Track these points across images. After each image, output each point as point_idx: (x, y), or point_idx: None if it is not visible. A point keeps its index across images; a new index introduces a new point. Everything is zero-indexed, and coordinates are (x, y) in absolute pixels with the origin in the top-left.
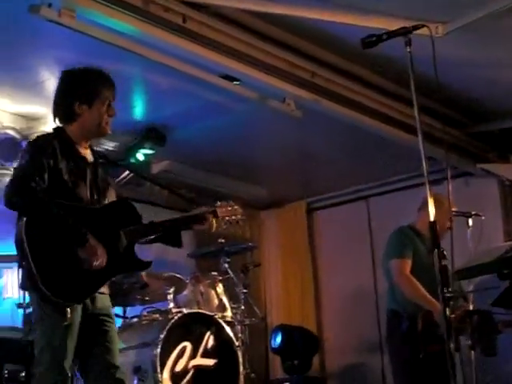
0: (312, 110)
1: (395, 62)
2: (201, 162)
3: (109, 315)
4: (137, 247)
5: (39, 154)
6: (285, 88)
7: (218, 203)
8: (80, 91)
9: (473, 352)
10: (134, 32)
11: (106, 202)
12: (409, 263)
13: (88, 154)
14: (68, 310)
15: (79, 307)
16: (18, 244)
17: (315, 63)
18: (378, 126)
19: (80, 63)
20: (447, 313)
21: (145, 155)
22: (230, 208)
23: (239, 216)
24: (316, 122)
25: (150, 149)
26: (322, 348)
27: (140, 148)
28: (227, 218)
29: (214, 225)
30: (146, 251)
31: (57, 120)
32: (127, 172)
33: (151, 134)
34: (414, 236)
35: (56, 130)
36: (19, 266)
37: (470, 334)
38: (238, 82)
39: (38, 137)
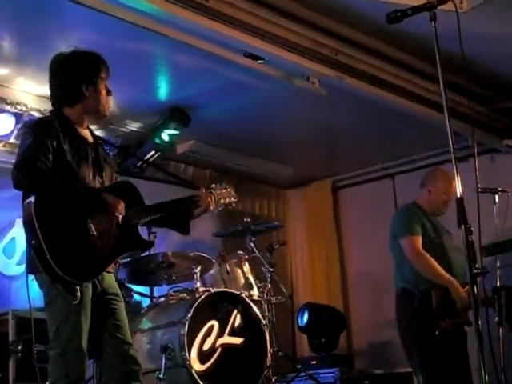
0: (337, 88)
1: (420, 38)
2: (225, 141)
3: (116, 294)
4: (163, 229)
5: (43, 135)
6: (309, 66)
7: (213, 186)
8: (85, 73)
9: (500, 328)
10: (158, 12)
11: (108, 182)
12: (420, 240)
13: (88, 135)
14: (78, 288)
15: (89, 287)
16: (27, 223)
17: (339, 41)
18: (404, 103)
19: (104, 44)
20: (475, 289)
21: (169, 135)
22: (224, 191)
23: (233, 199)
24: (341, 99)
25: (175, 129)
26: (349, 326)
27: (164, 128)
28: (222, 200)
29: (212, 206)
30: (172, 233)
31: (59, 102)
32: (152, 152)
33: (176, 114)
34: (420, 213)
35: (54, 112)
36: (28, 247)
37: (498, 310)
38: (261, 61)
39: (39, 118)
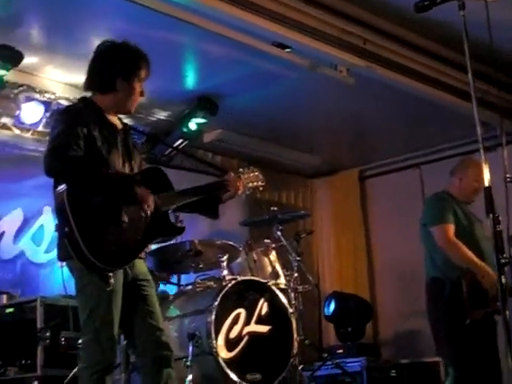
0: (364, 77)
1: (448, 26)
2: (253, 130)
3: (147, 280)
4: (191, 218)
5: (74, 123)
6: (337, 55)
7: (241, 170)
8: (123, 67)
9: None
10: (187, 1)
11: (137, 168)
12: (452, 228)
13: (117, 122)
14: (111, 275)
15: (121, 273)
16: (60, 210)
17: (367, 29)
18: (432, 92)
19: (133, 33)
20: (502, 279)
21: (197, 124)
22: (252, 174)
23: (261, 182)
24: (368, 88)
25: (202, 118)
26: (376, 315)
27: (192, 117)
28: (250, 184)
29: (240, 190)
30: (199, 221)
31: (90, 88)
32: (180, 141)
33: (203, 102)
34: (452, 201)
35: (83, 99)
36: (60, 234)
37: None
38: (289, 50)
39: (68, 106)
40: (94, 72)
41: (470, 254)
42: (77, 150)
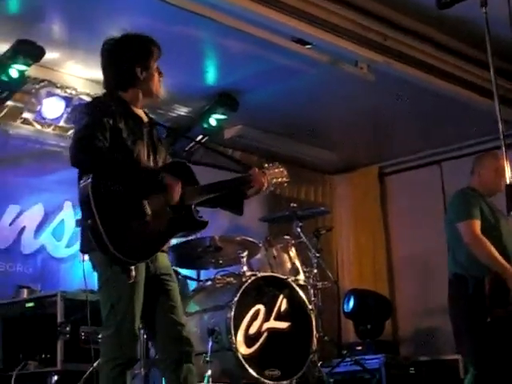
0: (385, 73)
1: (470, 23)
2: (273, 126)
3: (169, 274)
4: (211, 214)
5: (99, 114)
6: (357, 51)
7: (266, 165)
8: (139, 56)
9: None
10: None
11: (161, 162)
12: (478, 224)
13: (143, 115)
14: (133, 268)
15: (143, 267)
16: (84, 203)
17: (388, 26)
18: (453, 89)
19: (153, 28)
20: None
21: (217, 120)
22: (277, 170)
23: (285, 178)
24: (388, 85)
25: (223, 114)
26: (395, 313)
27: (212, 113)
28: (274, 180)
29: (265, 186)
30: (219, 217)
31: (114, 86)
32: (200, 137)
33: (223, 99)
34: (478, 196)
35: (109, 92)
36: (83, 226)
37: None
38: (310, 46)
39: (94, 98)
40: (110, 71)
41: (495, 253)
42: (102, 140)
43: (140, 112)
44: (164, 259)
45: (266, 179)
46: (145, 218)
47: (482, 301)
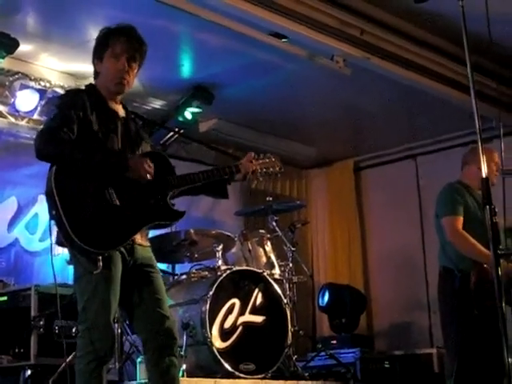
0: (361, 68)
1: (447, 18)
2: (249, 120)
3: (152, 266)
4: (186, 207)
5: (68, 107)
6: (334, 45)
7: (255, 155)
8: (97, 47)
9: None
10: None
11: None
12: (461, 220)
13: (119, 109)
14: (99, 258)
15: (118, 261)
16: (48, 194)
17: (365, 20)
18: (429, 84)
19: (129, 21)
20: (498, 270)
21: (192, 114)
22: (268, 160)
23: (277, 168)
24: (365, 79)
25: (198, 107)
26: (370, 307)
27: (188, 106)
28: (265, 169)
29: (250, 173)
30: (195, 211)
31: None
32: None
33: (199, 92)
34: (465, 191)
35: (88, 85)
36: (50, 217)
37: None
38: (286, 40)
39: (67, 91)
40: None
41: (478, 246)
42: (67, 132)
43: (116, 106)
44: (144, 252)
45: (252, 168)
46: (112, 207)
47: (468, 295)
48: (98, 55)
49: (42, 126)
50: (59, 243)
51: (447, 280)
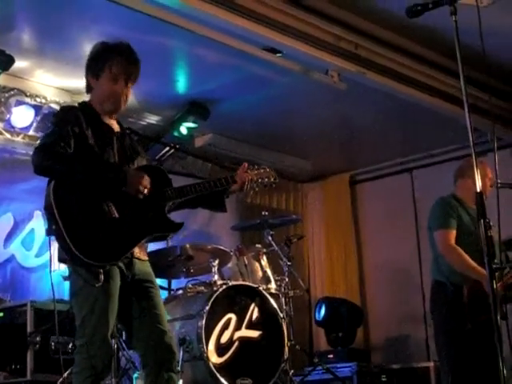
0: (356, 82)
1: (440, 32)
2: (244, 135)
3: (151, 281)
4: (182, 220)
5: (64, 122)
6: (328, 60)
7: (251, 166)
8: (92, 64)
9: None
10: (178, 5)
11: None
12: (453, 233)
13: (114, 124)
14: (101, 271)
15: (117, 275)
16: (47, 208)
17: (359, 34)
18: (423, 98)
19: (124, 37)
20: (494, 284)
21: (188, 129)
22: (262, 171)
23: (272, 179)
24: (360, 93)
25: (193, 122)
26: (366, 320)
27: (183, 121)
28: (260, 179)
29: (246, 184)
30: (190, 225)
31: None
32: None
33: (194, 107)
34: (457, 205)
35: (81, 103)
36: (49, 232)
37: None
38: (280, 54)
39: (62, 107)
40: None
41: (469, 261)
42: (64, 147)
43: (111, 122)
44: (143, 266)
45: (248, 177)
46: (111, 220)
47: (461, 308)
48: (93, 72)
49: (38, 142)
50: (62, 260)
51: (439, 293)
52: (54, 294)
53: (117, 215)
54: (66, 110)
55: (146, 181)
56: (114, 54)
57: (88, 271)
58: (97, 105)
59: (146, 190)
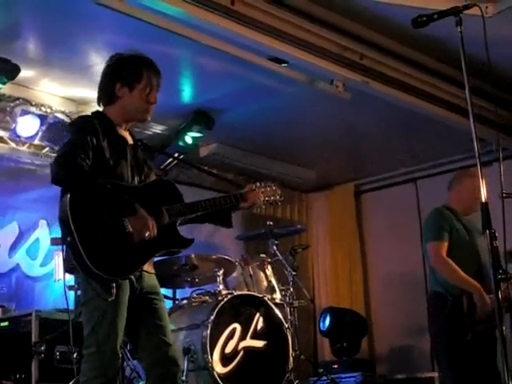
0: (361, 92)
1: (445, 42)
2: (249, 144)
3: (157, 293)
4: (186, 232)
5: (83, 132)
6: (333, 70)
7: (258, 184)
8: (123, 73)
9: None
10: (183, 15)
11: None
12: (445, 246)
13: (127, 136)
14: (113, 285)
15: (127, 287)
16: (63, 220)
17: (364, 45)
18: (428, 108)
19: (129, 47)
20: (499, 295)
21: (193, 138)
22: (269, 188)
23: (278, 197)
24: (365, 103)
25: (198, 132)
26: (371, 331)
27: (188, 131)
28: (267, 198)
29: (258, 203)
30: (195, 235)
31: (100, 103)
32: (175, 155)
33: (199, 117)
34: (451, 215)
35: (95, 112)
36: (63, 244)
37: None
38: (285, 64)
39: (79, 117)
40: (100, 84)
41: (461, 273)
42: (84, 159)
43: (124, 133)
44: (151, 279)
45: (257, 196)
46: (125, 235)
47: (461, 318)
48: (126, 82)
49: (57, 150)
50: (69, 270)
51: (438, 304)
52: (67, 303)
53: (131, 229)
54: (84, 118)
55: (152, 226)
56: (148, 65)
57: (100, 284)
58: (117, 115)
59: (149, 235)
